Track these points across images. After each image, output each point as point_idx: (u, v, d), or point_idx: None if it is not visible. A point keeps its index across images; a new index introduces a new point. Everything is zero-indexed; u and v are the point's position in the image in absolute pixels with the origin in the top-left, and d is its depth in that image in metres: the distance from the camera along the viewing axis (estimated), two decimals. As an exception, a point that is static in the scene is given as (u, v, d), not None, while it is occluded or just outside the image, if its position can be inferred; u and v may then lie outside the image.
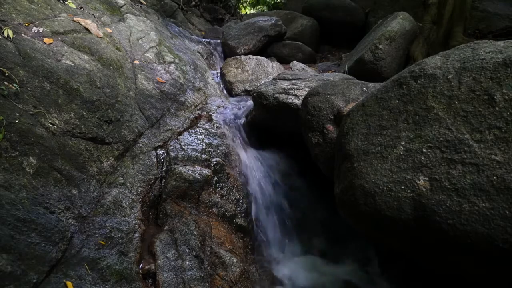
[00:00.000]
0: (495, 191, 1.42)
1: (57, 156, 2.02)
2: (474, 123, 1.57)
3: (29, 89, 2.10)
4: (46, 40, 2.56)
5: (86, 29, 3.09)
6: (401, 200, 1.68)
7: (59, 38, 2.72)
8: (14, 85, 2.01)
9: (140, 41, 3.87)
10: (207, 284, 2.13)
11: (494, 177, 1.44)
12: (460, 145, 1.57)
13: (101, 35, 3.20)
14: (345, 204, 2.02)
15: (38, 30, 2.59)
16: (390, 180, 1.74)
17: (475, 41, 1.83)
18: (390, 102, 1.92)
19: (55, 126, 2.13)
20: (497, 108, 1.52)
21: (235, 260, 2.42)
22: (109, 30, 3.48)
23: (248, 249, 2.72)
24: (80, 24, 3.06)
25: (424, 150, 1.68)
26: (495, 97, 1.54)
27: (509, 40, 1.70)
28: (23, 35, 2.40)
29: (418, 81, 1.82)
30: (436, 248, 1.68)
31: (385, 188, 1.75)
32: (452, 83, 1.68)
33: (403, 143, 1.77)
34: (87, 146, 2.27)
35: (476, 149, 1.52)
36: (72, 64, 2.54)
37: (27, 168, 1.80)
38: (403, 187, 1.69)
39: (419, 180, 1.64)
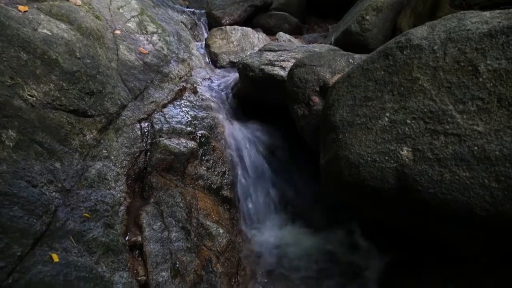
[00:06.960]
0: (475, 161, 1.46)
1: (38, 129, 1.97)
2: (457, 94, 1.58)
3: (4, 59, 2.02)
4: (21, 7, 2.43)
5: (63, -4, 2.95)
6: (384, 170, 1.71)
7: (35, 6, 2.59)
8: (-11, 55, 1.93)
9: (121, 10, 3.73)
10: (194, 254, 2.16)
11: (475, 147, 1.46)
12: (444, 116, 1.58)
13: (80, 3, 3.06)
14: (330, 175, 2.04)
15: (11, -4, 2.47)
16: (374, 151, 1.76)
17: (461, 12, 1.82)
18: (376, 73, 1.92)
19: (34, 98, 2.07)
20: (480, 79, 1.54)
21: (221, 231, 2.45)
22: (87, -2, 3.34)
23: (234, 220, 2.75)
24: (56, -9, 2.92)
25: (408, 121, 1.69)
26: (479, 68, 1.55)
27: (495, 11, 1.69)
28: (-5, 1, 2.28)
29: (404, 52, 1.81)
30: (418, 217, 1.73)
31: (369, 159, 1.77)
32: (438, 54, 1.68)
33: (387, 114, 1.78)
34: (68, 118, 2.22)
35: (458, 120, 1.54)
36: (49, 34, 2.44)
37: (6, 142, 1.75)
38: (386, 157, 1.71)
39: (403, 151, 1.67)
